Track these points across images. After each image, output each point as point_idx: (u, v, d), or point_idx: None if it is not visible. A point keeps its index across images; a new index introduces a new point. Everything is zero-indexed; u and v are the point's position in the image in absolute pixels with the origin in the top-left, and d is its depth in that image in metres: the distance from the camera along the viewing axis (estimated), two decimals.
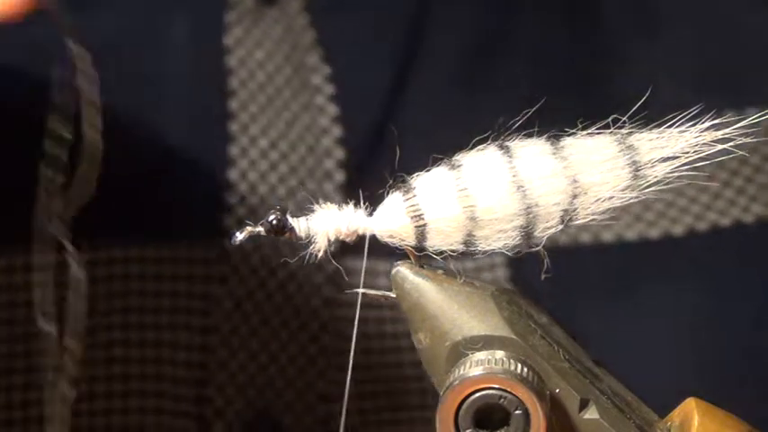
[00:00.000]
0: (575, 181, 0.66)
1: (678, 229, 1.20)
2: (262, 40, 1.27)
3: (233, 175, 1.21)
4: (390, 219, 0.67)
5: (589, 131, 0.67)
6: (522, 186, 0.66)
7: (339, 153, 1.21)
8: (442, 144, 0.69)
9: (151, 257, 1.19)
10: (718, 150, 0.66)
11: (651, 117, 0.67)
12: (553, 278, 0.69)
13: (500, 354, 0.65)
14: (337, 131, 1.22)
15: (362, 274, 0.70)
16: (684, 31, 1.28)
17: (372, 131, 1.22)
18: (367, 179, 0.66)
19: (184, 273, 1.19)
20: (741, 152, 0.66)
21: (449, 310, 0.66)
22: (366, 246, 0.68)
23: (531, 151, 0.66)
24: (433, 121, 1.21)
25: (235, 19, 1.27)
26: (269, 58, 1.26)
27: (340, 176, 1.19)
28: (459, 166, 0.67)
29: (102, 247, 1.18)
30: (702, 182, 1.18)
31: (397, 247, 0.68)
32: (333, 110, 1.23)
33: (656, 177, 0.67)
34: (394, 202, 0.68)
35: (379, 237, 0.68)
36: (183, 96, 1.25)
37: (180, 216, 1.22)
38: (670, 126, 0.66)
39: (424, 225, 0.67)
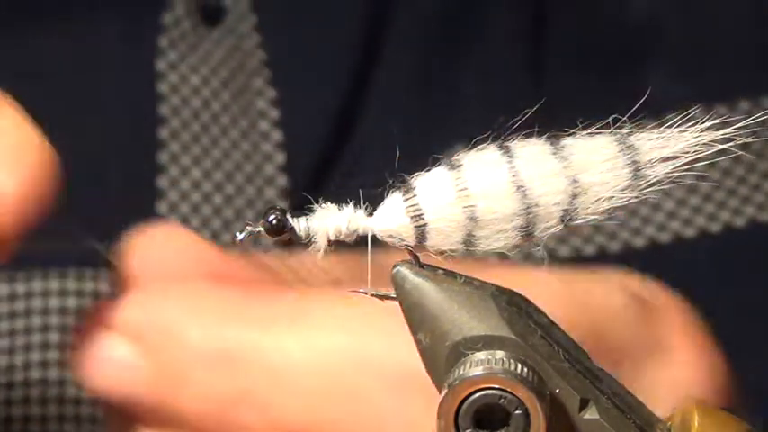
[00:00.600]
0: (575, 181, 0.66)
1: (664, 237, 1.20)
2: (198, 65, 1.24)
3: (162, 207, 1.20)
4: (390, 219, 0.67)
5: (589, 131, 0.67)
6: (522, 186, 0.66)
7: (282, 181, 1.19)
8: (402, 166, 0.68)
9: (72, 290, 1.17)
10: (718, 150, 0.66)
11: (651, 117, 0.67)
12: None
13: (500, 354, 0.65)
14: (281, 158, 1.19)
15: (368, 275, 0.70)
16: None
17: (320, 158, 1.19)
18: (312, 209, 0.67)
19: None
20: (740, 152, 0.66)
21: (449, 310, 0.66)
22: (369, 246, 0.68)
23: (531, 151, 0.66)
24: (386, 146, 1.21)
25: (168, 43, 1.24)
26: (205, 84, 1.23)
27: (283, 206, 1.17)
28: (458, 165, 0.67)
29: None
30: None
31: (396, 248, 0.68)
32: (277, 136, 1.21)
33: (656, 177, 0.66)
34: (394, 202, 0.67)
35: (379, 237, 0.68)
36: (112, 125, 1.23)
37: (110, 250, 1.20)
38: (670, 126, 0.66)
39: (424, 225, 0.67)
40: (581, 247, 1.22)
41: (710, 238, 1.21)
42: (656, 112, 0.67)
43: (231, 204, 1.19)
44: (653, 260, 1.21)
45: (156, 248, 0.91)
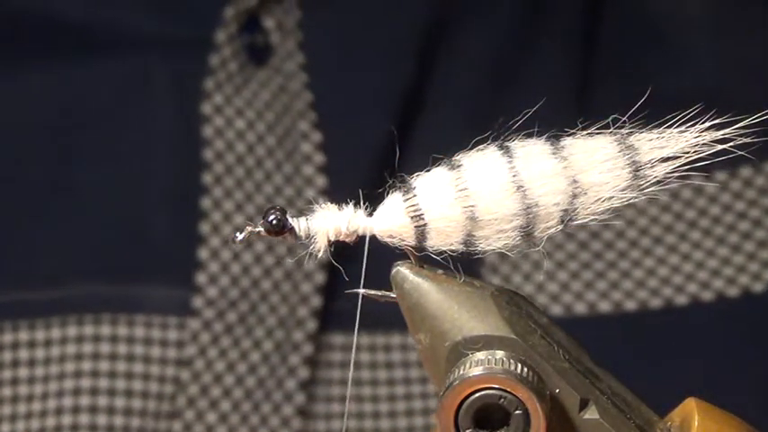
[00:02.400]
0: (575, 181, 0.66)
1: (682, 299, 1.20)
2: (244, 108, 1.22)
3: (204, 254, 1.19)
4: (390, 219, 0.67)
5: (589, 131, 0.67)
6: (522, 186, 0.66)
7: None
8: None
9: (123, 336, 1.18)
10: (719, 150, 0.66)
11: (651, 117, 0.67)
12: None
13: (500, 354, 0.65)
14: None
15: (362, 275, 0.70)
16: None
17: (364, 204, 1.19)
18: (350, 253, 0.67)
19: (144, 353, 1.17)
20: (741, 152, 0.66)
21: (449, 310, 0.66)
22: (366, 245, 0.68)
23: (530, 151, 0.66)
24: None
25: (214, 86, 1.23)
26: (250, 127, 1.22)
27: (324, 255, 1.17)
28: (458, 166, 0.67)
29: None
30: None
31: (396, 248, 0.68)
32: (322, 181, 1.20)
33: (656, 177, 0.66)
34: (394, 202, 0.67)
35: (379, 237, 0.68)
36: (155, 169, 1.22)
37: (146, 295, 1.20)
38: (670, 126, 0.66)
39: (424, 225, 0.67)
40: (596, 302, 1.22)
41: (728, 302, 1.21)
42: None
43: (274, 251, 1.19)
44: (668, 321, 1.21)
45: None
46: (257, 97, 1.23)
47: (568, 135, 0.67)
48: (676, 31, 1.28)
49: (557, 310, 1.21)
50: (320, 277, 1.18)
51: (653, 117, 0.66)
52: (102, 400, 1.15)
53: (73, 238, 1.20)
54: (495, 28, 1.27)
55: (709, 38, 1.28)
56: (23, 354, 1.16)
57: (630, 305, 1.21)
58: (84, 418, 1.15)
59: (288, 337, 1.18)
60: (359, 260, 0.67)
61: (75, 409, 1.15)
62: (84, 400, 1.16)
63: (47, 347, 1.16)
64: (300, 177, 1.20)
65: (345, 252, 0.69)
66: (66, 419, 1.15)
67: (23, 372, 1.16)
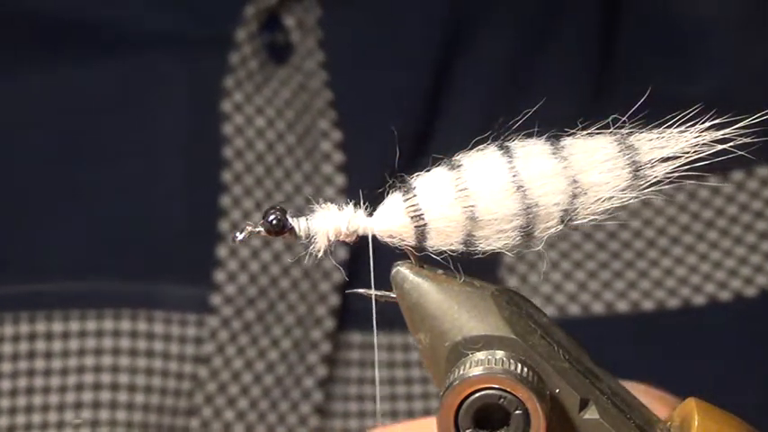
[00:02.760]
0: (575, 181, 0.66)
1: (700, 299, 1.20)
2: (264, 106, 1.23)
3: (222, 251, 1.20)
4: (390, 219, 0.67)
5: (589, 131, 0.67)
6: (522, 186, 0.66)
7: None
8: None
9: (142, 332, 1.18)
10: (718, 150, 0.66)
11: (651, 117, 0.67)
12: None
13: (500, 354, 0.65)
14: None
15: (372, 276, 0.70)
16: None
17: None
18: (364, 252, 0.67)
19: (163, 350, 1.18)
20: (741, 152, 0.66)
21: (449, 310, 0.66)
22: (370, 245, 0.68)
23: (530, 151, 0.66)
24: None
25: (234, 84, 1.23)
26: (270, 125, 1.22)
27: (342, 252, 1.17)
28: (458, 166, 0.67)
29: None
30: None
31: (396, 248, 0.68)
32: (341, 180, 1.21)
33: (656, 177, 0.66)
34: (394, 202, 0.67)
35: (379, 237, 0.68)
36: (175, 167, 1.22)
37: (165, 292, 1.20)
38: (670, 126, 0.66)
39: (424, 225, 0.67)
40: (613, 301, 1.22)
41: (745, 301, 1.21)
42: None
43: (292, 249, 1.19)
44: (685, 322, 1.21)
45: None
46: (277, 95, 1.23)
47: (568, 135, 0.67)
48: (694, 33, 1.28)
49: (574, 309, 1.20)
50: (338, 276, 1.18)
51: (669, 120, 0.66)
52: (122, 396, 1.16)
53: (93, 233, 1.20)
54: (513, 28, 1.27)
55: (726, 39, 1.28)
56: (40, 345, 1.17)
57: (648, 305, 1.21)
58: (104, 414, 1.15)
59: (306, 336, 1.18)
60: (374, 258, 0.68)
61: (96, 405, 1.15)
62: (105, 395, 1.16)
63: (65, 340, 1.17)
64: (320, 176, 1.21)
65: (359, 250, 0.69)
66: (86, 414, 1.15)
67: (40, 363, 1.17)
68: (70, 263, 1.19)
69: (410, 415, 1.20)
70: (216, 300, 1.18)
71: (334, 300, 1.18)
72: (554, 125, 0.67)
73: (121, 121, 1.23)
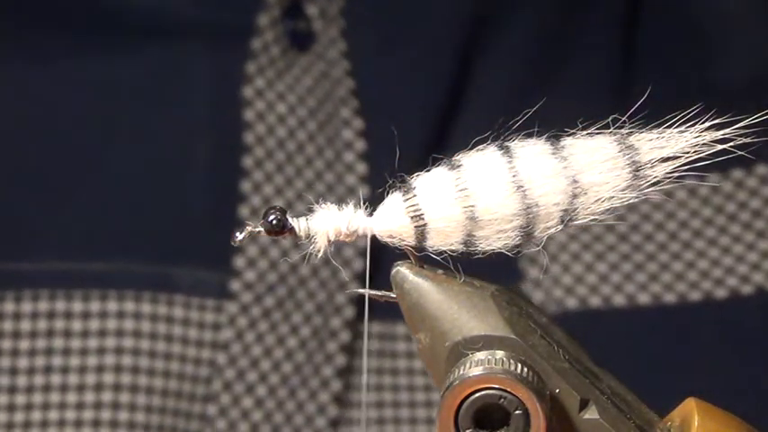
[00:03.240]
0: (575, 181, 0.66)
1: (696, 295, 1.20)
2: (285, 93, 1.23)
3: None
4: (390, 219, 0.67)
5: (589, 131, 0.67)
6: (522, 186, 0.66)
7: None
8: None
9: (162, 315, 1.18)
10: (719, 150, 0.66)
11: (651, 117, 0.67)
12: None
13: (500, 354, 0.65)
14: (365, 192, 1.18)
15: (367, 276, 0.70)
16: None
17: None
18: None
19: (182, 334, 1.18)
20: (741, 153, 0.66)
21: (449, 310, 0.66)
22: (368, 246, 0.68)
23: (530, 151, 0.66)
24: None
25: (255, 70, 1.23)
26: (292, 112, 1.22)
27: (362, 240, 1.17)
28: (458, 166, 0.67)
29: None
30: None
31: (396, 248, 0.68)
32: (362, 168, 1.20)
33: (656, 177, 0.66)
34: (394, 202, 0.67)
35: (379, 237, 0.68)
36: (196, 152, 1.23)
37: (185, 276, 1.20)
38: (670, 126, 0.66)
39: (424, 225, 0.67)
40: (635, 293, 1.22)
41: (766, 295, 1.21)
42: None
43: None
44: (707, 314, 1.21)
45: None
46: (299, 82, 1.23)
47: (568, 135, 0.67)
48: (716, 28, 1.28)
49: (595, 301, 1.21)
50: (359, 264, 1.18)
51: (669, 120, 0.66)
52: (143, 379, 1.16)
53: (114, 216, 1.21)
54: (537, 15, 1.27)
55: (749, 30, 1.28)
56: (59, 324, 1.17)
57: (669, 297, 1.21)
58: (124, 396, 1.15)
59: (325, 324, 1.18)
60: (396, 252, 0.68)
61: (117, 387, 1.15)
62: (126, 378, 1.16)
63: (84, 320, 1.17)
64: (341, 164, 1.21)
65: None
66: (107, 396, 1.15)
67: (59, 342, 1.16)
68: (93, 243, 1.20)
69: (428, 405, 1.20)
70: (235, 285, 1.18)
71: (355, 287, 1.18)
72: (576, 122, 0.67)
73: (143, 105, 1.24)
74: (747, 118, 0.66)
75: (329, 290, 1.19)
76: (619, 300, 1.21)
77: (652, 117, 0.66)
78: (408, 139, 1.19)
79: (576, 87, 1.24)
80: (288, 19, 1.26)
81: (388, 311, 0.69)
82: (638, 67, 1.27)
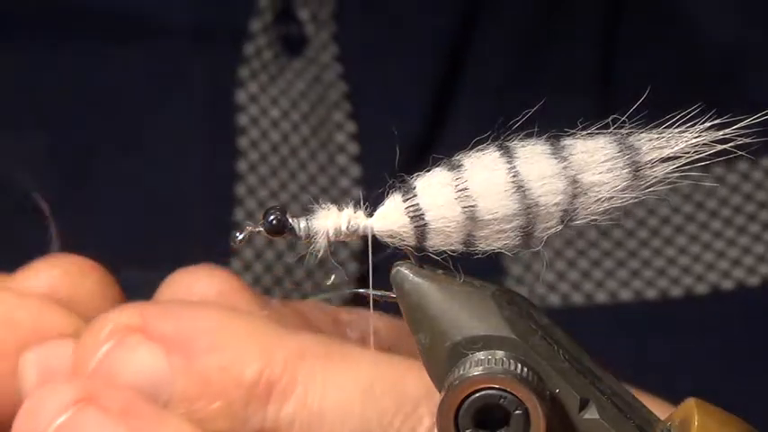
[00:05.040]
0: (575, 181, 0.66)
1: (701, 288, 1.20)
2: (278, 97, 1.23)
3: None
4: (390, 219, 0.67)
5: (589, 131, 0.67)
6: (522, 187, 0.66)
7: None
8: None
9: None
10: (719, 150, 0.66)
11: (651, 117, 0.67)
12: None
13: (500, 354, 0.65)
14: (358, 194, 1.18)
15: (370, 276, 0.70)
16: None
17: None
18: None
19: None
20: (741, 153, 0.66)
21: (449, 311, 0.66)
22: (369, 245, 0.68)
23: (530, 152, 0.66)
24: None
25: (248, 74, 1.23)
26: (285, 116, 1.22)
27: (355, 243, 1.17)
28: (459, 166, 0.67)
29: None
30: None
31: (396, 248, 0.68)
32: (356, 171, 1.20)
33: (656, 178, 0.66)
34: (394, 202, 0.67)
35: (378, 237, 0.68)
36: (189, 157, 1.22)
37: None
38: (670, 126, 0.66)
39: (424, 225, 0.67)
40: (616, 290, 1.22)
41: (747, 291, 1.21)
42: None
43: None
44: (689, 311, 1.21)
45: (196, 285, 0.89)
46: (292, 87, 1.23)
47: (568, 135, 0.67)
48: (697, 18, 1.27)
49: (577, 298, 1.20)
50: (353, 266, 1.18)
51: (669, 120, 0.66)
52: None
53: (108, 223, 1.20)
54: (527, 18, 1.27)
55: (730, 32, 1.28)
56: None
57: (651, 294, 1.21)
58: None
59: None
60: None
61: None
62: None
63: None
64: (335, 167, 1.20)
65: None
66: None
67: None
68: (87, 251, 1.19)
69: None
70: None
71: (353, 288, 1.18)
72: (567, 124, 0.67)
73: (137, 111, 1.23)
74: (748, 118, 0.66)
75: (323, 292, 1.19)
76: (600, 296, 1.21)
77: (638, 112, 0.67)
78: (401, 141, 1.19)
79: (561, 83, 1.24)
80: (280, 24, 1.26)
81: (387, 311, 0.69)
82: (621, 62, 1.27)
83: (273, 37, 1.24)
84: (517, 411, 0.64)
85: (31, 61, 1.25)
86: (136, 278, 1.18)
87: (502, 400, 0.64)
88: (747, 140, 0.66)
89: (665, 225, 1.22)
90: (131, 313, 0.76)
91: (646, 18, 1.28)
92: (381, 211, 0.68)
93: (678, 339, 1.19)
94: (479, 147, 0.67)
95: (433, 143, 1.22)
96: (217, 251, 1.18)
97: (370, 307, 0.70)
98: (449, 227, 0.66)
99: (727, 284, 1.20)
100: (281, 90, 1.23)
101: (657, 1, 1.27)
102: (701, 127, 0.66)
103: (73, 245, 1.19)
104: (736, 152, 0.66)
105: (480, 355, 0.65)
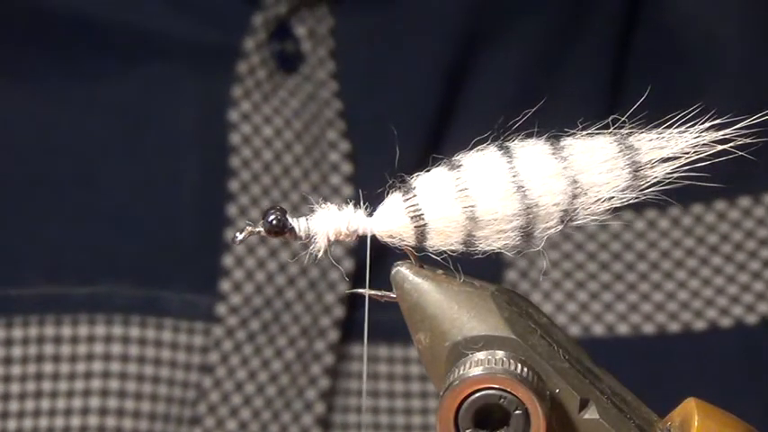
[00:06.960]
0: (574, 181, 0.66)
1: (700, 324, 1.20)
2: (272, 116, 1.22)
3: (228, 260, 1.19)
4: (390, 219, 0.67)
5: (589, 132, 0.67)
6: (522, 187, 0.66)
7: None
8: None
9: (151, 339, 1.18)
10: (719, 150, 0.66)
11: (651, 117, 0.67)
12: None
13: (500, 354, 0.65)
14: (358, 195, 1.17)
15: (367, 275, 0.70)
16: None
17: None
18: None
19: (170, 358, 1.17)
20: (741, 153, 0.66)
21: (449, 311, 0.66)
22: (368, 245, 0.68)
23: (530, 152, 0.66)
24: None
25: (242, 93, 1.23)
26: (278, 135, 1.21)
27: (349, 264, 1.17)
28: (459, 166, 0.67)
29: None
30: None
31: (396, 248, 0.68)
32: (348, 191, 1.20)
33: (655, 178, 0.66)
34: (394, 202, 0.67)
35: (379, 237, 0.68)
36: (182, 175, 1.22)
37: (173, 299, 1.19)
38: (670, 126, 0.66)
39: (424, 225, 0.67)
40: (614, 323, 1.21)
41: (746, 329, 1.20)
42: None
43: (299, 260, 1.18)
44: (686, 346, 1.20)
45: None
46: (286, 105, 1.22)
47: (569, 135, 0.67)
48: (705, 51, 1.27)
49: (574, 330, 1.20)
50: (344, 287, 1.18)
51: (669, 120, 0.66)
52: (129, 403, 1.15)
53: (101, 239, 1.20)
54: (526, 42, 1.26)
55: (741, 55, 1.27)
56: (49, 349, 1.16)
57: (648, 328, 1.21)
58: (110, 421, 1.15)
59: (310, 347, 1.18)
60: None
61: (103, 411, 1.15)
62: (112, 402, 1.15)
63: (73, 344, 1.16)
64: (327, 187, 1.20)
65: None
66: (93, 420, 1.15)
67: (48, 367, 1.16)
68: (79, 266, 1.19)
69: (407, 429, 1.19)
70: (221, 309, 1.18)
71: (339, 311, 1.18)
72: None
73: (130, 129, 1.22)
74: (748, 118, 0.66)
75: (314, 313, 1.18)
76: (598, 329, 1.20)
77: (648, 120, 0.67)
78: (395, 162, 1.18)
79: (566, 106, 1.23)
80: (275, 40, 1.25)
81: (372, 333, 0.69)
82: (627, 86, 1.26)
83: (267, 55, 1.23)
84: (517, 411, 0.64)
85: (26, 79, 1.25)
86: (128, 295, 1.18)
87: (502, 400, 0.64)
88: (747, 141, 0.66)
89: (665, 259, 1.22)
90: None
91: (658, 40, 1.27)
92: (381, 211, 0.68)
93: (676, 375, 1.19)
94: (479, 147, 0.67)
95: (431, 161, 1.21)
96: (208, 270, 1.18)
97: (366, 307, 0.70)
98: (449, 227, 0.66)
99: (726, 322, 1.20)
100: (275, 108, 1.22)
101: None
102: (701, 127, 0.66)
103: (68, 260, 1.19)
104: (736, 152, 0.66)
105: (480, 354, 0.65)
